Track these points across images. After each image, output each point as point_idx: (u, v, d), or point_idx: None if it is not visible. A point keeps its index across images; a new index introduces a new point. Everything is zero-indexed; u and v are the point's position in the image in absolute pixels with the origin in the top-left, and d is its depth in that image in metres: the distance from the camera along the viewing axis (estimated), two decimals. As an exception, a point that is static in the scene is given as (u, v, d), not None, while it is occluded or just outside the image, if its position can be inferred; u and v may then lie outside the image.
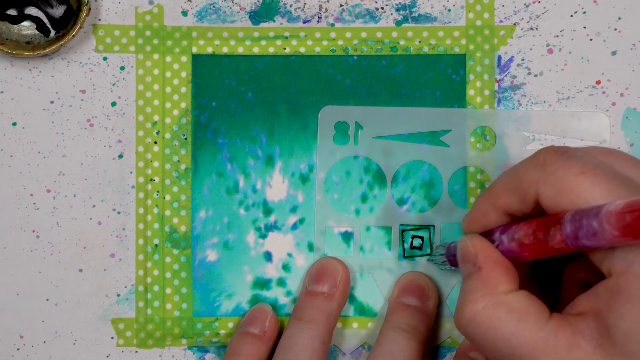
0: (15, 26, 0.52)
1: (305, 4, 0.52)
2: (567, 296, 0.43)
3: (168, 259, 0.52)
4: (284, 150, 0.52)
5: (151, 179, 0.52)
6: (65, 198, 0.52)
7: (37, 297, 0.52)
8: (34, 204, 0.52)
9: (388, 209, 0.52)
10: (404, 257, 0.52)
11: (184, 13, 0.52)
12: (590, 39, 0.52)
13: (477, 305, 0.40)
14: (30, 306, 0.52)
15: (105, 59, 0.52)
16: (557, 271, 0.45)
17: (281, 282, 0.52)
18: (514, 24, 0.52)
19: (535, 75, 0.52)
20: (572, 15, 0.52)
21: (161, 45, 0.52)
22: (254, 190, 0.52)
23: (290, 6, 0.52)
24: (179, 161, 0.52)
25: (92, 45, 0.52)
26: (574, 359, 0.37)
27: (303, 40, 0.52)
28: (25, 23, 0.52)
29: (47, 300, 0.52)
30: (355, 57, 0.52)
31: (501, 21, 0.52)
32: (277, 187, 0.52)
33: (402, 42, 0.52)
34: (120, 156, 0.52)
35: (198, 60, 0.52)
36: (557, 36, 0.52)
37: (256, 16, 0.52)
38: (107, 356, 0.52)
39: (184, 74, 0.52)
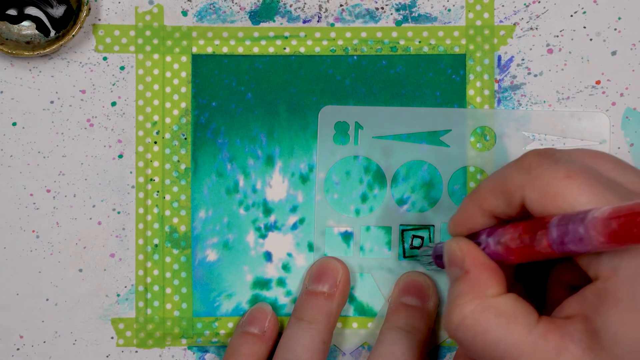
0: (15, 26, 0.52)
1: (305, 4, 0.52)
2: (554, 299, 0.43)
3: (168, 259, 0.52)
4: (284, 150, 0.52)
5: (151, 179, 0.52)
6: (65, 198, 0.52)
7: (37, 297, 0.52)
8: (34, 204, 0.52)
9: (388, 209, 0.52)
10: (404, 257, 0.52)
11: (184, 13, 0.52)
12: (590, 39, 0.52)
13: (465, 309, 0.40)
14: (30, 306, 0.52)
15: (105, 59, 0.52)
16: (541, 274, 0.45)
17: (281, 282, 0.52)
18: (514, 24, 0.52)
19: (535, 75, 0.52)
20: (572, 15, 0.52)
21: (161, 45, 0.52)
22: (254, 190, 0.52)
23: (290, 6, 0.52)
24: (179, 161, 0.52)
25: (92, 45, 0.52)
26: None
27: (303, 40, 0.52)
28: (25, 23, 0.52)
29: (47, 300, 0.52)
30: (355, 57, 0.52)
31: (501, 21, 0.52)
32: (277, 187, 0.52)
33: (402, 42, 0.52)
34: (120, 156, 0.52)
35: (198, 60, 0.52)
36: (557, 36, 0.52)
37: (256, 16, 0.52)
38: (107, 356, 0.52)
39: (184, 74, 0.52)
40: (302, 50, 0.52)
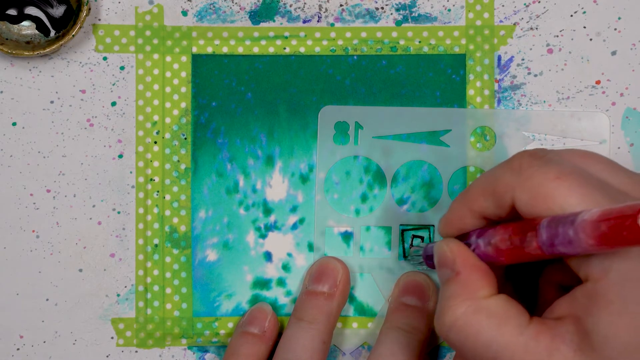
0: (15, 26, 0.52)
1: (305, 3, 0.52)
2: (545, 299, 0.43)
3: (168, 259, 0.52)
4: (284, 150, 0.52)
5: (151, 179, 0.52)
6: (65, 198, 0.52)
7: (37, 297, 0.52)
8: (34, 204, 0.52)
9: (388, 209, 0.52)
10: (404, 257, 0.52)
11: (184, 13, 0.52)
12: (590, 39, 0.52)
13: (457, 310, 0.40)
14: (30, 306, 0.52)
15: (105, 58, 0.52)
16: (532, 274, 0.45)
17: (281, 282, 0.52)
18: (514, 24, 0.52)
19: (535, 75, 0.52)
20: (572, 15, 0.52)
21: (161, 45, 0.52)
22: (254, 190, 0.52)
23: (290, 6, 0.52)
24: (179, 161, 0.52)
25: (92, 45, 0.52)
26: None
27: (303, 40, 0.52)
28: (25, 23, 0.52)
29: (47, 300, 0.52)
30: (355, 57, 0.52)
31: (501, 21, 0.52)
32: (277, 187, 0.52)
33: (402, 42, 0.52)
34: (120, 156, 0.52)
35: (198, 60, 0.52)
36: (557, 36, 0.52)
37: (256, 16, 0.52)
38: (107, 356, 0.52)
39: (184, 74, 0.52)
40: (302, 50, 0.52)
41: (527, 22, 0.52)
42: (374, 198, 0.52)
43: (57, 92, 0.52)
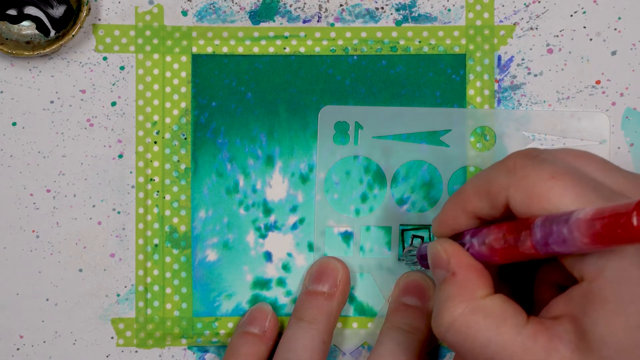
0: (15, 26, 0.52)
1: (305, 3, 0.52)
2: (541, 299, 0.43)
3: (168, 259, 0.52)
4: (284, 150, 0.52)
5: (151, 179, 0.52)
6: (65, 198, 0.52)
7: (37, 297, 0.52)
8: (34, 204, 0.52)
9: (388, 208, 0.52)
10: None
11: (184, 13, 0.52)
12: (590, 39, 0.52)
13: (455, 311, 0.40)
14: (30, 306, 0.52)
15: (105, 58, 0.52)
16: (527, 274, 0.45)
17: (281, 282, 0.52)
18: (514, 24, 0.52)
19: (535, 75, 0.52)
20: (572, 15, 0.52)
21: (161, 45, 0.52)
22: (254, 190, 0.52)
23: (290, 6, 0.52)
24: (179, 161, 0.52)
25: (92, 45, 0.52)
26: None
27: (303, 40, 0.52)
28: (25, 23, 0.52)
29: (47, 300, 0.52)
30: (355, 57, 0.52)
31: (501, 21, 0.52)
32: (277, 187, 0.52)
33: (402, 42, 0.52)
34: (120, 156, 0.52)
35: (198, 60, 0.52)
36: (557, 36, 0.52)
37: (256, 16, 0.52)
38: (107, 356, 0.52)
39: (183, 74, 0.52)
40: (302, 50, 0.52)
41: (527, 22, 0.52)
42: (374, 198, 0.52)
43: (57, 92, 0.52)
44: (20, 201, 0.52)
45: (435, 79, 0.52)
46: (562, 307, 0.38)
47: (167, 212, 0.52)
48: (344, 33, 0.52)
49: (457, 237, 0.43)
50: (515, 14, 0.52)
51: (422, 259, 0.47)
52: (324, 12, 0.52)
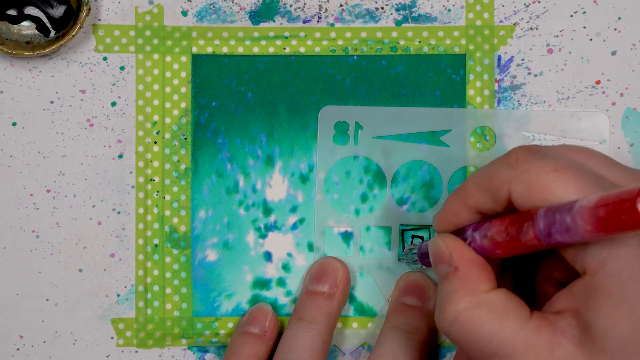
0: (15, 26, 0.52)
1: (305, 4, 0.52)
2: (543, 296, 0.43)
3: (168, 259, 0.52)
4: (284, 150, 0.52)
5: (151, 179, 0.52)
6: (65, 198, 0.52)
7: (37, 297, 0.52)
8: (34, 204, 0.52)
9: (388, 209, 0.52)
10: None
11: (184, 13, 0.52)
12: (590, 39, 0.52)
13: (458, 306, 0.40)
14: (30, 306, 0.52)
15: (105, 59, 0.52)
16: (527, 273, 0.45)
17: (281, 282, 0.52)
18: (514, 24, 0.52)
19: (535, 75, 0.52)
20: (572, 15, 0.52)
21: (161, 45, 0.52)
22: (254, 190, 0.52)
23: (290, 6, 0.52)
24: (179, 161, 0.52)
25: (92, 45, 0.52)
26: (555, 358, 0.37)
27: (303, 40, 0.52)
28: (25, 23, 0.52)
29: (47, 300, 0.52)
30: (355, 57, 0.52)
31: (501, 21, 0.52)
32: (277, 187, 0.52)
33: (402, 42, 0.52)
34: (120, 156, 0.52)
35: (198, 60, 0.52)
36: (557, 36, 0.52)
37: (256, 16, 0.52)
38: (107, 356, 0.52)
39: (183, 74, 0.52)
40: (302, 50, 0.52)
41: (527, 22, 0.52)
42: (374, 198, 0.52)
43: (57, 92, 0.52)
44: (20, 201, 0.52)
45: (435, 79, 0.52)
46: (565, 301, 0.38)
47: (167, 212, 0.52)
48: (344, 33, 0.52)
49: (458, 233, 0.43)
50: (515, 14, 0.52)
51: (423, 257, 0.47)
52: (324, 12, 0.52)
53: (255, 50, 0.52)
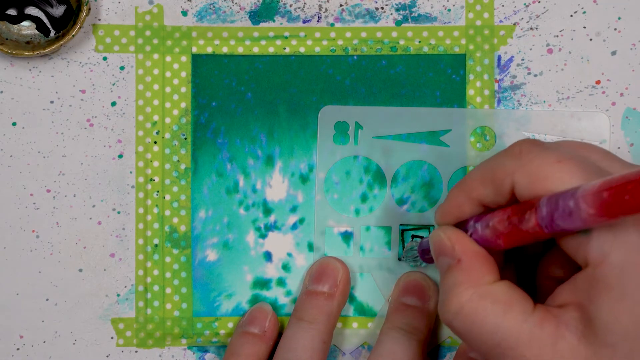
0: (15, 26, 0.52)
1: (305, 4, 0.52)
2: (544, 291, 0.43)
3: (168, 259, 0.52)
4: (284, 150, 0.52)
5: (151, 179, 0.52)
6: (65, 198, 0.52)
7: (37, 297, 0.52)
8: (34, 204, 0.52)
9: (388, 208, 0.52)
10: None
11: (184, 13, 0.52)
12: (590, 39, 0.52)
13: (462, 297, 0.40)
14: (30, 306, 0.52)
15: (105, 58, 0.52)
16: (528, 270, 0.45)
17: (281, 282, 0.52)
18: (514, 24, 0.52)
19: (535, 75, 0.52)
20: (572, 15, 0.52)
21: (161, 45, 0.52)
22: (254, 190, 0.52)
23: (290, 6, 0.52)
24: (178, 161, 0.52)
25: (92, 45, 0.52)
26: (558, 351, 0.37)
27: (303, 40, 0.52)
28: (25, 23, 0.52)
29: (47, 300, 0.52)
30: (355, 57, 0.52)
31: (501, 21, 0.52)
32: (277, 187, 0.52)
33: (402, 42, 0.52)
34: (120, 156, 0.52)
35: (198, 60, 0.52)
36: (557, 36, 0.52)
37: (256, 16, 0.52)
38: (107, 356, 0.52)
39: (183, 74, 0.52)
40: (302, 50, 0.52)
41: (527, 22, 0.52)
42: (374, 198, 0.52)
43: (57, 92, 0.52)
44: (20, 201, 0.52)
45: (435, 79, 0.52)
46: (568, 294, 0.38)
47: (167, 212, 0.52)
48: (344, 33, 0.52)
49: (459, 227, 0.43)
50: (515, 14, 0.52)
51: (424, 253, 0.47)
52: (324, 12, 0.52)
53: (255, 50, 0.52)
